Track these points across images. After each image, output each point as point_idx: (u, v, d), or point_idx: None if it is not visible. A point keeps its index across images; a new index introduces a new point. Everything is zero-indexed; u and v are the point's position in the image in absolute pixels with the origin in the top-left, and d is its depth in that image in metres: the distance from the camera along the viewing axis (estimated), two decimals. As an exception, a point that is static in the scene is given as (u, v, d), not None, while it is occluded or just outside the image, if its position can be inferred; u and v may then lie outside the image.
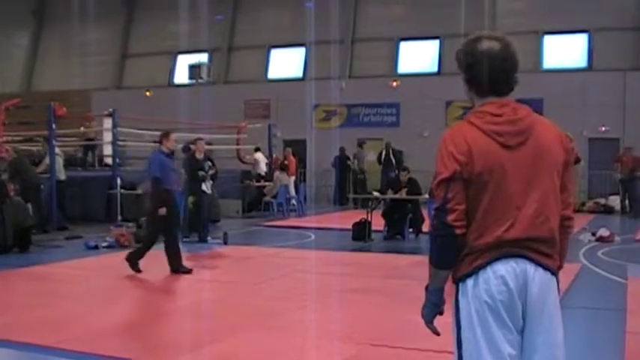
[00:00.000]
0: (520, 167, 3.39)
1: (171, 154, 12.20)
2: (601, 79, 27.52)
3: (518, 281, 3.35)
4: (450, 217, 3.36)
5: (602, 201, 24.45)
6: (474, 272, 3.39)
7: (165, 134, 12.27)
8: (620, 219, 22.46)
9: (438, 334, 3.62)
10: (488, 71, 3.48)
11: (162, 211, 11.45)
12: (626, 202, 23.74)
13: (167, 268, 11.71)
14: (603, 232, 16.26)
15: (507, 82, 3.52)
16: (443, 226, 3.38)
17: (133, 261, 11.62)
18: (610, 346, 7.28)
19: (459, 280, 3.47)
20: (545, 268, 3.41)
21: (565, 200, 3.57)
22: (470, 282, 3.41)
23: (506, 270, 3.35)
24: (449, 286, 3.51)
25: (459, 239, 3.38)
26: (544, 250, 3.41)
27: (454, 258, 3.43)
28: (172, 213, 11.84)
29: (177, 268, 11.66)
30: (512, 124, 3.43)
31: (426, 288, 3.59)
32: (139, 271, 11.61)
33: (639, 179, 23.25)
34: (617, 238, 16.25)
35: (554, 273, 3.47)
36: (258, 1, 34.18)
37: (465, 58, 3.56)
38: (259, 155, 25.75)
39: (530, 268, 3.37)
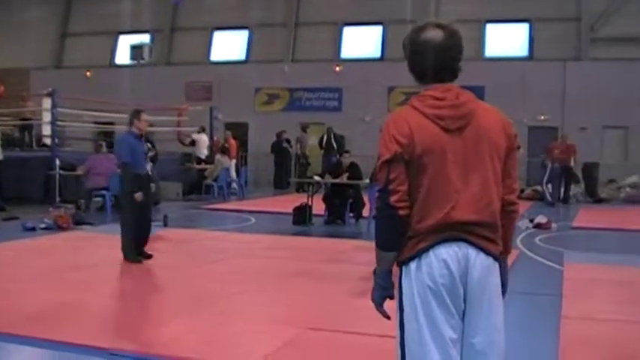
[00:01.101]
0: (460, 151, 3.43)
1: (140, 136, 11.39)
2: (541, 69, 27.90)
3: (460, 265, 3.39)
4: (393, 198, 3.40)
5: (540, 188, 24.76)
6: (417, 255, 3.42)
7: (137, 113, 11.34)
8: (560, 207, 22.80)
9: (388, 317, 3.62)
10: (430, 60, 3.51)
11: (139, 196, 10.85)
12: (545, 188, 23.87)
13: (110, 253, 11.52)
14: (541, 219, 16.49)
15: (449, 70, 3.55)
16: (386, 207, 3.42)
17: (130, 255, 11.05)
18: (546, 330, 7.40)
19: (402, 264, 3.49)
20: (487, 252, 3.45)
21: (509, 186, 3.61)
22: (413, 265, 3.44)
23: (448, 254, 3.38)
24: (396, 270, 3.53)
25: (403, 220, 3.41)
26: (485, 234, 3.45)
27: (399, 239, 3.46)
28: (147, 197, 11.28)
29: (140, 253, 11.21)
30: (454, 109, 3.46)
31: (374, 271, 3.60)
32: (149, 256, 11.18)
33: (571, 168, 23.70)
34: (554, 225, 16.48)
35: (496, 258, 3.51)
36: (202, -19, 33.86)
37: (408, 46, 3.60)
38: (203, 137, 25.59)
39: (471, 252, 3.41)
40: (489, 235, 3.47)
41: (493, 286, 3.49)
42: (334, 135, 27.50)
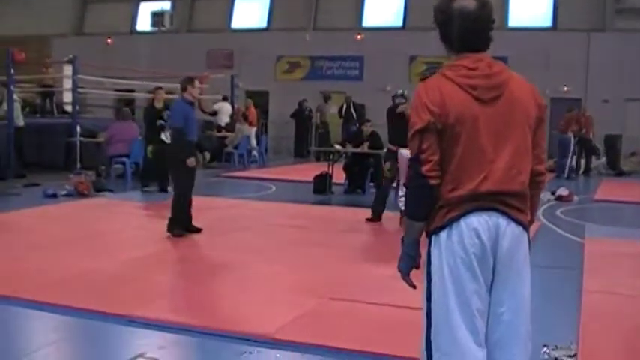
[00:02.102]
0: (493, 121, 3.42)
1: (192, 103, 11.21)
2: (565, 40, 27.58)
3: (490, 234, 3.39)
4: (425, 168, 3.39)
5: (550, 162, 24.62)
6: (448, 225, 3.42)
7: (190, 80, 11.08)
8: (581, 179, 22.70)
9: (414, 286, 3.64)
10: (461, 30, 3.50)
11: (192, 161, 10.63)
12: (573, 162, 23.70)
13: (131, 220, 11.53)
14: (562, 191, 16.40)
15: (481, 40, 3.54)
16: (417, 176, 3.42)
17: (178, 229, 10.65)
18: (567, 302, 7.39)
19: (432, 233, 3.50)
20: (517, 222, 3.46)
21: (538, 156, 3.62)
22: (443, 234, 3.44)
23: (479, 223, 3.39)
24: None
25: (434, 190, 3.41)
26: (516, 204, 3.46)
27: (429, 209, 3.46)
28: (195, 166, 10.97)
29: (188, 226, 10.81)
30: (487, 79, 3.45)
31: (402, 240, 3.61)
32: (198, 230, 10.82)
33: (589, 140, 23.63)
34: (575, 198, 16.41)
35: (526, 227, 3.52)
36: (223, -51, 33.65)
37: (439, 15, 3.58)
38: (226, 105, 25.55)
39: (502, 221, 3.42)
40: (519, 205, 3.48)
41: (522, 255, 3.51)
42: (354, 104, 27.35)
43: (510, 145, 3.44)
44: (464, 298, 3.39)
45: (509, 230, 3.42)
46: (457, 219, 3.40)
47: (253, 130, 25.02)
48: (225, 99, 25.72)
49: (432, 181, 3.39)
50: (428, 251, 3.52)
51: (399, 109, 12.26)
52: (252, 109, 25.58)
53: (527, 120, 3.52)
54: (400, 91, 12.95)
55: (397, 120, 12.08)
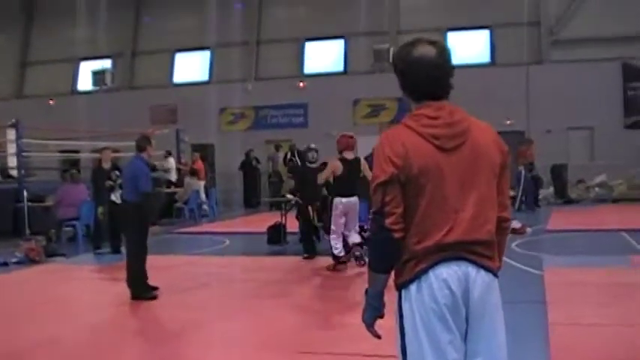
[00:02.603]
0: (457, 170, 3.39)
1: (149, 163, 11.13)
2: (504, 74, 28.04)
3: (460, 284, 3.35)
4: (388, 221, 3.34)
5: (511, 193, 24.78)
6: (417, 277, 3.38)
7: (149, 140, 11.04)
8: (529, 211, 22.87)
9: (379, 337, 3.60)
10: (422, 78, 3.47)
11: (156, 228, 10.66)
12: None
13: (84, 284, 11.32)
14: (515, 224, 16.42)
15: (442, 87, 3.51)
16: (381, 229, 3.37)
17: (144, 291, 10.36)
18: (535, 338, 7.37)
19: (401, 287, 3.45)
20: (487, 269, 3.43)
21: (502, 202, 3.59)
22: (413, 287, 3.39)
23: (448, 273, 3.35)
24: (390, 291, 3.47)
25: (398, 243, 3.36)
26: (484, 252, 3.42)
27: (393, 262, 3.42)
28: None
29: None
30: (449, 127, 3.42)
31: (366, 292, 3.55)
32: (155, 289, 10.52)
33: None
34: (528, 230, 16.50)
35: (495, 274, 3.49)
36: (161, 4, 33.67)
37: (399, 64, 3.54)
38: (170, 160, 25.37)
39: (471, 270, 3.38)
40: (487, 252, 3.44)
41: (494, 303, 3.47)
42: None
43: (475, 193, 3.41)
44: (439, 350, 3.34)
45: (479, 278, 3.39)
46: (426, 271, 3.36)
47: (202, 183, 24.90)
48: (169, 154, 25.51)
49: (396, 234, 3.35)
50: (399, 305, 3.47)
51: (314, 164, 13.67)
52: (200, 163, 25.46)
53: (491, 167, 3.49)
54: (312, 146, 13.46)
55: (308, 174, 13.36)
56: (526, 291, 10.07)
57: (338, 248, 12.45)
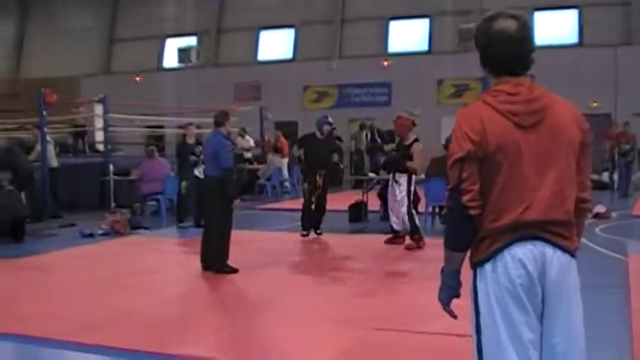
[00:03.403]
0: (535, 148, 3.34)
1: (229, 138, 11.29)
2: (592, 55, 27.50)
3: (537, 264, 3.31)
4: (465, 198, 3.31)
5: (596, 177, 24.38)
6: (492, 256, 3.35)
7: (227, 115, 11.16)
8: (615, 195, 22.45)
9: (455, 316, 3.59)
10: (503, 52, 3.42)
11: (237, 203, 10.72)
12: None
13: (168, 257, 11.49)
14: (600, 208, 16.20)
15: (522, 62, 3.45)
16: (457, 207, 3.34)
17: (227, 266, 10.47)
18: (616, 323, 7.24)
19: (476, 265, 3.42)
20: (564, 250, 3.37)
21: (582, 182, 3.52)
22: (488, 266, 3.36)
23: (524, 253, 3.30)
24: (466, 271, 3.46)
25: (474, 220, 3.33)
26: (561, 232, 3.37)
27: (469, 240, 3.39)
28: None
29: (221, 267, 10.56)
30: (528, 104, 3.37)
31: (442, 271, 3.54)
32: (235, 271, 10.49)
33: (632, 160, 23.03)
34: (613, 214, 16.21)
35: (573, 255, 3.43)
36: (247, -18, 33.91)
37: (480, 38, 3.49)
38: (248, 138, 25.38)
39: (548, 250, 3.33)
40: (565, 232, 3.39)
41: (571, 283, 3.41)
42: (378, 131, 27.25)
43: (554, 172, 3.36)
44: (514, 330, 3.31)
45: (555, 259, 3.33)
46: (501, 250, 3.33)
47: (285, 161, 24.99)
48: (244, 131, 25.44)
49: (473, 212, 3.31)
50: (474, 284, 3.44)
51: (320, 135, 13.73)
52: (283, 140, 25.53)
53: (570, 146, 3.42)
54: (330, 119, 14.16)
55: (317, 145, 13.47)
56: (609, 276, 9.90)
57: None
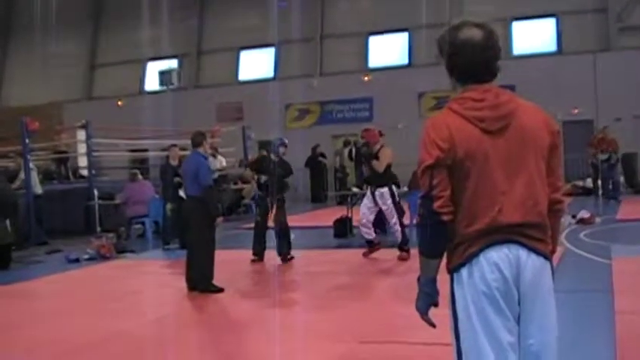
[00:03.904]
0: (503, 152, 3.38)
1: (207, 158, 11.30)
2: (571, 63, 27.65)
3: (512, 268, 3.34)
4: (436, 204, 3.34)
5: (580, 183, 24.52)
6: (468, 261, 3.38)
7: (204, 135, 11.26)
8: (599, 200, 22.52)
9: (433, 325, 3.59)
10: (468, 61, 3.46)
11: (219, 221, 10.70)
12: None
13: (154, 279, 11.49)
14: (584, 214, 16.30)
15: (488, 70, 3.50)
16: (430, 214, 3.37)
17: (212, 285, 10.47)
18: (601, 327, 7.29)
19: (453, 271, 3.45)
20: (538, 252, 3.40)
21: (554, 184, 3.56)
22: (464, 271, 3.39)
23: (499, 257, 3.34)
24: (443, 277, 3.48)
25: (447, 226, 3.36)
26: (535, 234, 3.40)
27: (443, 246, 3.42)
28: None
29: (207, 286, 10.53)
30: (494, 109, 3.41)
31: (418, 279, 3.55)
32: (220, 290, 10.46)
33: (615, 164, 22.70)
34: (597, 220, 16.30)
35: (547, 257, 3.46)
36: (225, 3, 33.98)
37: (446, 47, 3.53)
38: (220, 159, 25.22)
39: (522, 253, 3.36)
40: (538, 235, 3.42)
41: (546, 286, 3.44)
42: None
43: (523, 175, 3.39)
44: (493, 334, 3.33)
45: (530, 262, 3.37)
46: (476, 254, 3.35)
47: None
48: (216, 151, 25.16)
49: (445, 217, 3.35)
50: (451, 289, 3.47)
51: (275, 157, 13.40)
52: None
53: (539, 149, 3.46)
54: (285, 140, 14.00)
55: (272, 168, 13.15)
56: (593, 280, 9.99)
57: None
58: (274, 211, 13.26)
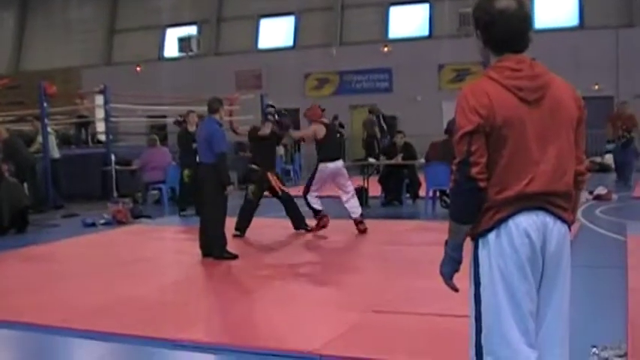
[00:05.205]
0: (539, 122, 3.42)
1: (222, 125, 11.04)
2: (593, 37, 27.46)
3: (539, 234, 3.38)
4: (474, 170, 3.36)
5: (598, 159, 24.38)
6: (496, 226, 3.41)
7: (220, 101, 11.13)
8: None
9: (456, 290, 3.60)
10: (506, 30, 3.49)
11: (231, 189, 10.63)
12: None
13: (170, 244, 11.54)
14: (600, 190, 16.22)
15: (523, 41, 3.53)
16: (466, 179, 3.38)
17: (226, 252, 10.44)
18: (613, 302, 7.27)
19: (478, 236, 3.47)
20: (563, 220, 3.46)
21: (578, 157, 3.64)
22: (491, 236, 3.42)
23: (527, 223, 3.37)
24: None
25: (483, 192, 3.39)
26: (561, 203, 3.47)
27: (477, 212, 3.43)
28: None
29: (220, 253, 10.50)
30: (531, 80, 3.45)
31: (446, 243, 3.57)
32: (234, 257, 10.44)
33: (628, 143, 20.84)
34: (614, 196, 16.22)
35: (569, 226, 3.53)
36: (246, -30, 33.91)
37: (483, 16, 3.55)
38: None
39: (549, 220, 3.42)
40: (565, 204, 3.49)
41: (567, 255, 3.51)
42: (383, 116, 27.20)
43: (555, 146, 3.44)
44: (516, 299, 3.37)
45: (555, 229, 3.42)
46: (505, 220, 3.38)
47: (281, 148, 24.91)
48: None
49: (481, 184, 3.37)
50: (474, 254, 3.49)
51: (262, 132, 12.74)
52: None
53: (569, 121, 3.53)
54: (271, 106, 13.18)
55: (262, 141, 12.73)
56: (608, 256, 9.96)
57: (317, 202, 12.70)
58: (275, 181, 12.92)
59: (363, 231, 12.46)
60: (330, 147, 12.56)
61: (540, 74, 3.48)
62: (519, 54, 3.50)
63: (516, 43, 3.50)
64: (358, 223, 12.57)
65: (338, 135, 28.10)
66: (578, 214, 13.04)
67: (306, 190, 12.70)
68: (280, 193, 12.98)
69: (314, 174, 12.63)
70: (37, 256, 11.68)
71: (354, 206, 12.66)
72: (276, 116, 12.85)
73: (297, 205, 13.01)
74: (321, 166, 12.45)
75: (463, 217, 3.47)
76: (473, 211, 3.43)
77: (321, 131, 12.43)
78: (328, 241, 12.23)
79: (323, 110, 12.91)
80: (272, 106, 13.16)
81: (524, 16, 3.51)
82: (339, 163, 12.61)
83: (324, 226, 12.57)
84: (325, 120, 12.66)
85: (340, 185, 12.72)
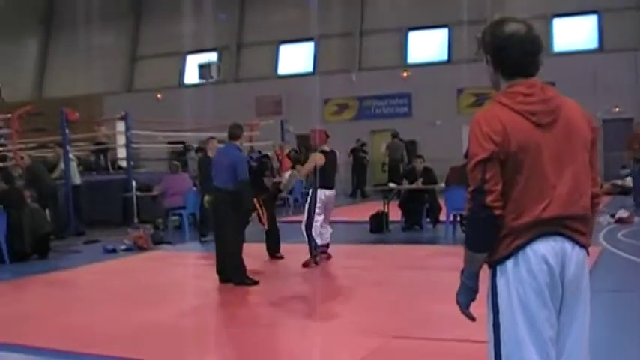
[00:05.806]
0: (553, 146, 3.40)
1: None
2: (612, 60, 27.40)
3: (557, 260, 3.35)
4: (489, 199, 3.33)
5: (619, 182, 24.26)
6: (514, 253, 3.37)
7: (241, 128, 11.19)
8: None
9: (473, 319, 3.56)
10: (518, 54, 3.48)
11: (254, 215, 10.69)
12: None
13: (190, 270, 11.55)
14: (622, 213, 16.14)
15: (534, 64, 3.52)
16: (482, 208, 3.35)
17: (246, 278, 10.49)
18: (636, 328, 7.22)
19: (496, 263, 3.43)
20: (581, 245, 3.43)
21: (593, 179, 3.59)
22: (509, 263, 3.38)
23: (545, 249, 3.34)
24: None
25: (499, 220, 3.35)
26: (579, 227, 3.43)
27: (493, 240, 3.39)
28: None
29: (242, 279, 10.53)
30: (544, 103, 3.43)
31: (462, 272, 3.54)
32: (255, 283, 10.48)
33: None
34: (636, 219, 16.12)
35: (587, 251, 3.48)
36: (266, -4, 34.15)
37: (493, 40, 3.54)
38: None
39: (568, 246, 3.38)
40: (582, 228, 3.45)
41: (586, 280, 3.47)
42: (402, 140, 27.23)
43: (571, 169, 3.42)
44: (535, 327, 3.33)
45: (574, 254, 3.38)
46: (523, 246, 3.35)
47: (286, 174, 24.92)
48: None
49: (497, 212, 3.33)
50: (493, 282, 3.45)
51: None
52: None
53: (584, 142, 3.50)
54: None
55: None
56: (630, 280, 9.88)
57: (319, 236, 12.20)
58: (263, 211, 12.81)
59: (328, 258, 12.51)
60: (329, 175, 12.48)
61: (552, 97, 3.46)
62: (530, 78, 3.49)
63: (527, 67, 3.49)
64: (326, 249, 12.59)
65: (363, 161, 28.35)
66: (600, 237, 13.00)
67: (309, 222, 12.09)
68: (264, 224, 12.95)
69: (312, 202, 12.26)
70: (58, 281, 11.76)
71: (328, 232, 12.61)
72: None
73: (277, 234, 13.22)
74: (320, 192, 12.34)
75: (478, 245, 3.45)
76: (488, 240, 3.40)
77: (320, 161, 12.37)
78: (346, 266, 12.21)
79: (327, 137, 12.76)
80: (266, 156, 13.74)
81: (533, 39, 3.50)
82: (334, 192, 12.52)
83: (315, 263, 12.03)
84: (326, 148, 12.51)
85: (328, 214, 12.61)
